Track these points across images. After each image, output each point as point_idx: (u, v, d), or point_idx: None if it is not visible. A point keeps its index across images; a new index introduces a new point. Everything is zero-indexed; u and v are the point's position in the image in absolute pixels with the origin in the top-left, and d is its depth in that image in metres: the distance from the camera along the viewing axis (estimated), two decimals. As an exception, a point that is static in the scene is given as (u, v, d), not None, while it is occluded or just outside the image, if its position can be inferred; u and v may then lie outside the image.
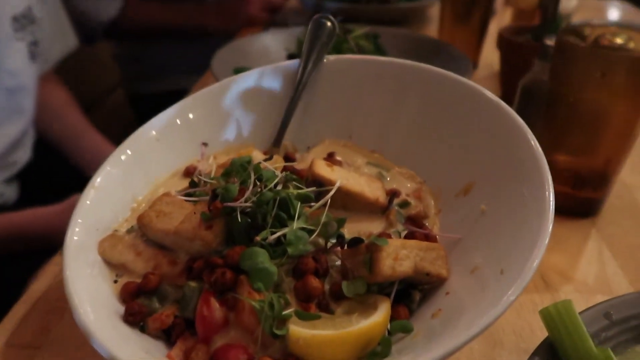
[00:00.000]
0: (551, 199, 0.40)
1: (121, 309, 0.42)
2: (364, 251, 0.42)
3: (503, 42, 0.98)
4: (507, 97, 1.01)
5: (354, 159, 0.58)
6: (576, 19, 1.53)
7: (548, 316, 0.40)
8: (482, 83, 0.53)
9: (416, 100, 0.56)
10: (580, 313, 0.42)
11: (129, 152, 0.53)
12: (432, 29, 1.45)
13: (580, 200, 0.70)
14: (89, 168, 1.31)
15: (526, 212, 0.41)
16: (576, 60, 0.60)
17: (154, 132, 0.56)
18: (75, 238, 0.45)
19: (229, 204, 0.44)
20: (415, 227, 0.49)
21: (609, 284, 0.59)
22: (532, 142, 0.45)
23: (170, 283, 0.45)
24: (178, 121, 0.58)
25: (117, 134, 0.55)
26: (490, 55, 1.17)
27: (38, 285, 0.56)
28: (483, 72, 1.20)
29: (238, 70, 0.61)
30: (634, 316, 0.44)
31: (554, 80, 0.65)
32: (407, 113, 0.57)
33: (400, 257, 0.41)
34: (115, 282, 0.45)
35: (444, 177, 0.53)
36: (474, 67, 1.20)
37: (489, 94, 0.51)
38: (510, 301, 0.34)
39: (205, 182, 0.49)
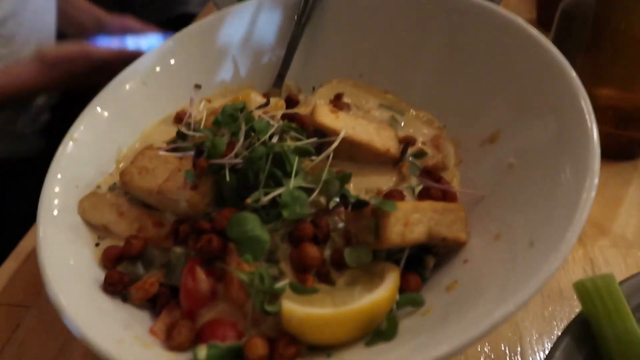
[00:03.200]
0: (597, 152, 0.34)
1: (102, 276, 0.39)
2: (370, 215, 0.36)
3: (542, -43, 0.86)
4: (543, 22, 0.91)
5: (365, 100, 0.51)
6: None
7: (584, 291, 0.34)
8: (514, 5, 0.45)
9: (437, 32, 0.49)
10: (619, 283, 0.37)
11: (112, 99, 0.48)
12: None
13: (623, 141, 0.64)
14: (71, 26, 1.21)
15: (564, 169, 0.35)
16: (632, -22, 0.51)
17: (138, 76, 0.50)
18: (53, 197, 0.41)
19: (216, 160, 0.38)
20: (432, 181, 0.43)
21: (651, 239, 0.53)
22: (573, 79, 0.38)
23: (156, 246, 0.41)
24: (172, 61, 0.52)
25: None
26: (525, -28, 1.05)
27: (27, 242, 0.53)
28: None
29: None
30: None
31: (601, 2, 0.56)
32: (426, 47, 0.50)
33: (411, 222, 0.36)
34: (97, 245, 0.41)
35: (467, 122, 0.46)
36: (507, -14, 1.07)
37: (523, 22, 0.43)
38: (541, 285, 0.28)
39: (192, 134, 0.44)
